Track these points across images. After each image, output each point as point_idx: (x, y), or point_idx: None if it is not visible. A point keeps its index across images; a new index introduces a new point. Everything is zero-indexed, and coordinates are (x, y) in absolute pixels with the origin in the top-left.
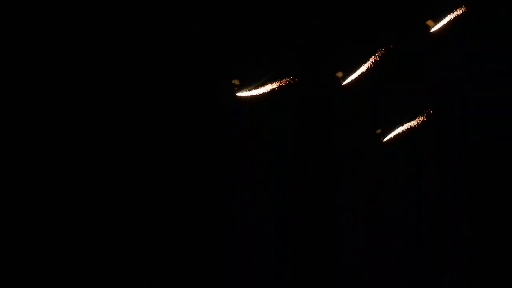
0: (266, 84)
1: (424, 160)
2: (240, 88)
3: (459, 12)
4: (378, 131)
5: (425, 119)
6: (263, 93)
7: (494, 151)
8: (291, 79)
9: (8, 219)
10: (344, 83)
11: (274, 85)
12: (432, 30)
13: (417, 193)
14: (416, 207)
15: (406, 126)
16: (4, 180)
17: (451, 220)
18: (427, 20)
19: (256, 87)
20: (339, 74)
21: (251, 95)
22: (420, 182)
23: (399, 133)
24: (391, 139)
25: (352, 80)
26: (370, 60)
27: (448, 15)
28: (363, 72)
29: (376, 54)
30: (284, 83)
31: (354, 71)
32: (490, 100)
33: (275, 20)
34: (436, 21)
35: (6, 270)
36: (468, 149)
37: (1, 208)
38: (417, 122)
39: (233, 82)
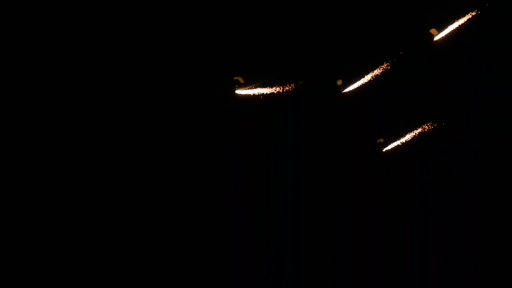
0: (266, 86)
1: (426, 169)
2: (241, 86)
3: (462, 20)
4: (381, 140)
5: (427, 128)
6: (262, 94)
7: (495, 158)
8: (292, 85)
9: (8, 219)
10: (345, 91)
11: (274, 89)
12: (436, 38)
13: (419, 201)
14: (417, 215)
15: (408, 135)
16: (4, 180)
17: (452, 226)
18: (430, 28)
19: (255, 87)
20: (339, 82)
21: (249, 94)
22: (422, 191)
23: (401, 143)
24: (393, 148)
25: (353, 88)
26: (372, 68)
27: (452, 24)
28: (365, 80)
29: (378, 62)
30: (283, 88)
31: (355, 80)
32: (491, 108)
33: (283, 25)
34: (440, 30)
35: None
36: (470, 158)
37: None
38: (420, 132)
39: (235, 78)
